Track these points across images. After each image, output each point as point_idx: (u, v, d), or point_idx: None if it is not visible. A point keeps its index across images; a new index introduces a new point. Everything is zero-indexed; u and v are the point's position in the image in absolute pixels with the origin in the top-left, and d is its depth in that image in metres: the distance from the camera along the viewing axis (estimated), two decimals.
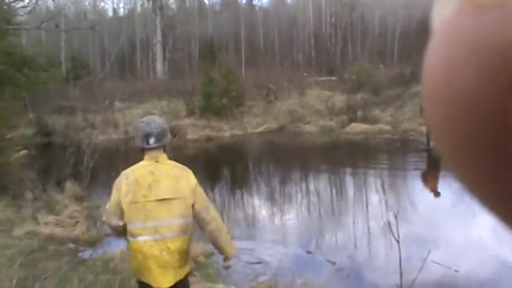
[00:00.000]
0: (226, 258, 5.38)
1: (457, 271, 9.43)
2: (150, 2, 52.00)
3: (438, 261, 9.32)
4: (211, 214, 5.13)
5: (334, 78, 42.50)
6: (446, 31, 0.28)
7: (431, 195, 16.18)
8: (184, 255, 4.87)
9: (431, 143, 19.80)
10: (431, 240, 11.00)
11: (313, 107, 37.33)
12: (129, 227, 4.71)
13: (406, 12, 50.96)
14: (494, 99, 0.25)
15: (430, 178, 18.15)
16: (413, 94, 36.79)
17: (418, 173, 20.08)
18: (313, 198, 17.04)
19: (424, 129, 27.62)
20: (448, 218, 13.38)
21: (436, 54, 0.28)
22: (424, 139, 25.53)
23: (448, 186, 16.66)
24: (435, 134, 0.29)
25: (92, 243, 12.14)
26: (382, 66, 43.33)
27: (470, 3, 0.27)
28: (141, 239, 4.65)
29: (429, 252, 6.26)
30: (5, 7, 16.69)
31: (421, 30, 46.70)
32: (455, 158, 0.28)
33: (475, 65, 0.25)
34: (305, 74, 43.16)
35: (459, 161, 0.28)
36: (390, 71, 42.40)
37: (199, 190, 5.03)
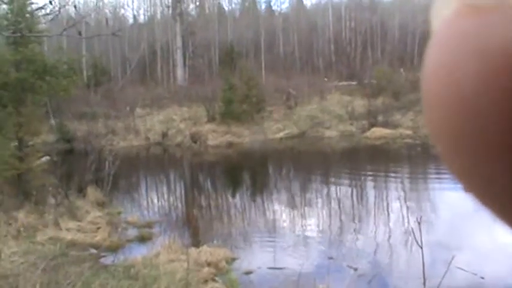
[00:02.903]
0: None
1: (482, 278, 9.35)
2: (170, 9, 52.20)
3: (463, 267, 9.24)
4: None
5: (354, 83, 42.40)
6: (446, 33, 0.28)
7: (453, 199, 16.06)
8: None
9: None
10: (455, 246, 10.93)
11: (333, 112, 37.24)
12: None
13: (425, 16, 50.64)
14: (495, 100, 0.25)
15: None
16: None
17: (440, 177, 19.94)
18: (334, 204, 16.99)
19: None
20: (472, 224, 13.27)
21: (435, 56, 0.28)
22: None
23: None
24: (435, 135, 0.29)
25: (114, 249, 12.21)
26: (402, 70, 43.14)
27: (469, 4, 0.27)
28: None
29: (452, 258, 6.19)
30: (27, 15, 16.90)
31: None
32: (456, 160, 0.28)
33: (476, 67, 0.25)
34: (325, 79, 43.12)
35: (460, 162, 0.28)
36: (410, 75, 42.20)
37: None
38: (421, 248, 5.13)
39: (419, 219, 5.49)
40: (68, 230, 13.13)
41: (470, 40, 0.26)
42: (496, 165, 0.26)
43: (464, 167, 0.28)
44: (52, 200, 15.28)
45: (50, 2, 5.83)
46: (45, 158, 20.08)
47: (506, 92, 0.24)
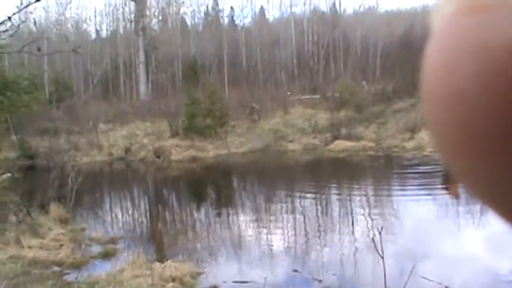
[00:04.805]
0: None
1: (447, 287, 9.45)
2: (133, 24, 52.00)
3: (428, 276, 9.34)
4: None
5: (317, 96, 42.65)
6: (446, 31, 0.27)
7: (416, 210, 16.25)
8: None
9: None
10: (420, 256, 11.04)
11: (296, 126, 37.45)
12: None
13: (387, 29, 51.20)
14: (494, 99, 0.25)
15: (451, 182, 18.04)
16: (396, 110, 37.10)
17: (403, 188, 20.21)
18: (299, 217, 17.04)
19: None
20: (437, 233, 13.44)
21: (435, 55, 0.28)
22: (407, 155, 25.86)
23: (434, 202, 16.78)
24: (436, 136, 0.29)
25: (77, 266, 12.05)
26: (364, 83, 43.56)
27: (469, 3, 0.27)
28: None
29: (413, 267, 6.28)
30: None
31: (403, 47, 47.02)
32: (457, 161, 0.28)
33: (476, 66, 0.25)
34: (288, 92, 43.29)
35: (461, 163, 0.28)
36: (373, 88, 42.68)
37: None
38: (382, 258, 5.20)
39: (380, 230, 5.56)
40: (30, 247, 12.93)
41: (470, 39, 0.26)
42: (498, 166, 0.26)
43: (465, 168, 0.28)
44: (13, 218, 15.03)
45: (9, 18, 5.77)
46: (6, 175, 19.80)
47: (506, 93, 0.24)
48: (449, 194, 17.30)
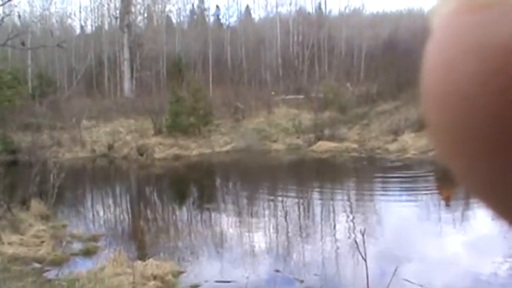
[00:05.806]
0: None
1: None
2: (118, 20, 51.79)
3: (410, 278, 9.38)
4: None
5: (301, 96, 42.72)
6: (444, 30, 0.28)
7: (398, 211, 16.32)
8: None
9: None
10: (402, 258, 11.08)
11: (280, 126, 37.48)
12: None
13: (372, 32, 51.35)
14: (491, 98, 0.25)
15: (446, 186, 18.02)
16: (380, 112, 37.26)
17: (385, 190, 20.29)
18: (281, 217, 17.06)
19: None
20: (419, 235, 13.52)
21: (434, 53, 0.28)
22: (391, 156, 26.00)
23: (416, 204, 16.87)
24: (432, 131, 0.29)
25: (58, 263, 11.98)
26: (349, 84, 43.72)
27: (467, 2, 0.27)
28: None
29: (396, 269, 6.30)
30: None
31: (387, 49, 47.23)
32: (455, 160, 0.28)
33: (474, 66, 0.25)
34: (272, 92, 43.31)
35: (459, 163, 0.28)
36: (357, 90, 42.84)
37: None
38: (365, 260, 5.21)
39: (363, 232, 5.57)
40: (10, 244, 12.84)
41: (468, 38, 0.26)
42: (495, 166, 0.26)
43: (463, 168, 0.28)
44: None
45: None
46: None
47: (503, 92, 0.24)
48: (441, 197, 17.35)
